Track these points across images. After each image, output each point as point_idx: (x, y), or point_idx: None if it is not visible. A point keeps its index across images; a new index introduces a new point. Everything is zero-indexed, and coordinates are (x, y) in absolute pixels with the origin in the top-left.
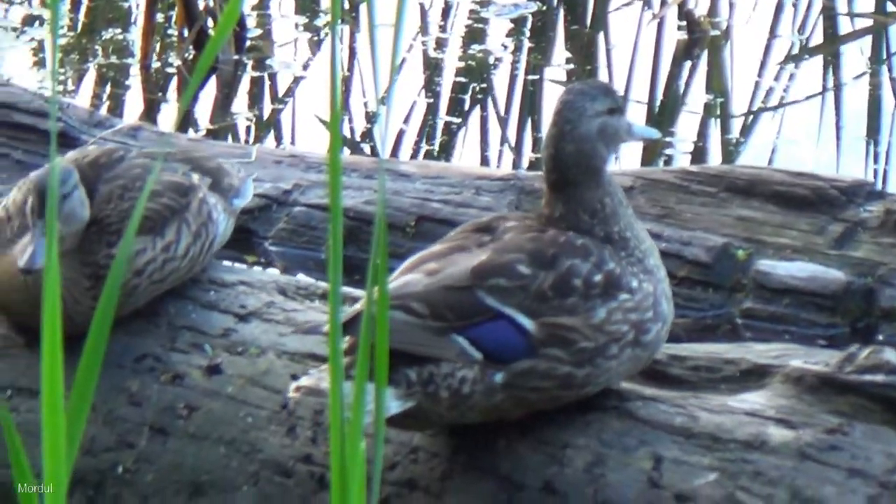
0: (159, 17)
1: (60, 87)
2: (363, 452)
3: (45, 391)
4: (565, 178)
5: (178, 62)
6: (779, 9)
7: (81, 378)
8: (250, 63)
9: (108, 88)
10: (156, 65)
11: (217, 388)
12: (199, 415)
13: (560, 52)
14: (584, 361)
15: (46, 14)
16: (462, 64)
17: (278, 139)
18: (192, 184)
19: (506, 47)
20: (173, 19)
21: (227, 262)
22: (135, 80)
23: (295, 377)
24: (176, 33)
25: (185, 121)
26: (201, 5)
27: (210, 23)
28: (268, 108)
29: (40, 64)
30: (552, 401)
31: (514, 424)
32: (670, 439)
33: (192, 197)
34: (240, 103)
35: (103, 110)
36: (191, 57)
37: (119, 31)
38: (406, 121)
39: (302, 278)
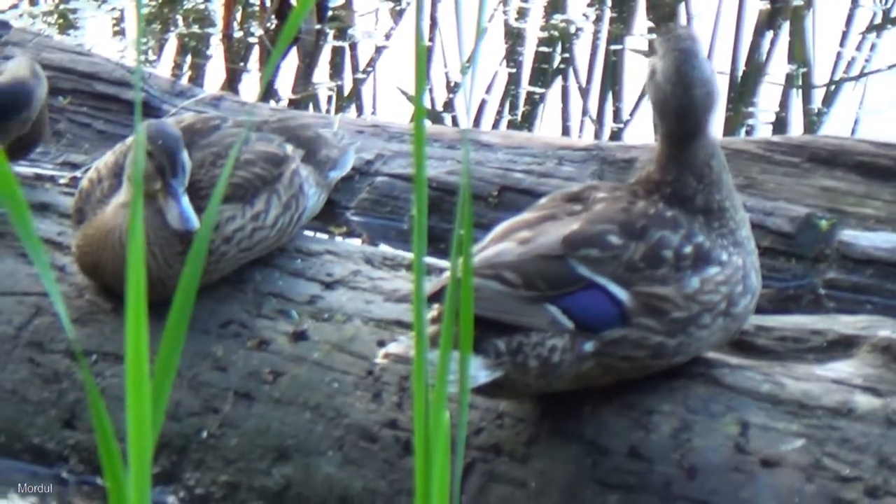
0: None
1: (142, 57)
2: (447, 420)
3: (130, 355)
4: (691, 126)
5: (259, 32)
6: None
7: (167, 343)
8: (331, 33)
9: (188, 58)
10: (237, 34)
11: (303, 354)
12: (284, 380)
13: (641, 22)
14: (677, 331)
15: None
16: (544, 34)
17: (359, 109)
18: (286, 154)
19: (587, 17)
20: None
21: (311, 233)
22: (216, 50)
23: (381, 343)
24: (258, 2)
25: (267, 91)
26: None
27: None
28: (349, 78)
29: (121, 33)
30: (642, 370)
31: (599, 390)
32: (757, 406)
33: (284, 168)
34: (321, 73)
35: (184, 80)
36: (273, 27)
37: (201, 0)
38: (488, 91)
39: (388, 249)
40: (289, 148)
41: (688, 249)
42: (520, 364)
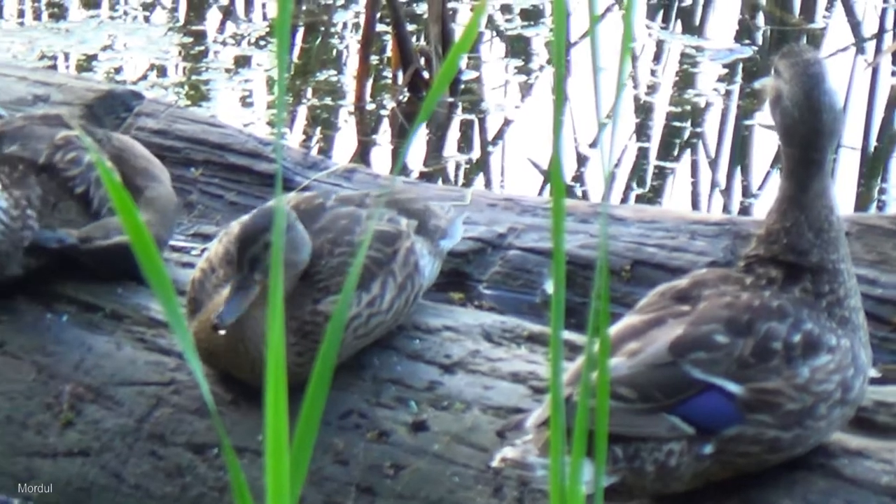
0: (373, 59)
1: (272, 129)
2: None
3: (270, 447)
4: (817, 154)
5: (391, 104)
6: None
7: (300, 438)
8: (461, 105)
9: (318, 130)
10: (369, 106)
11: (423, 446)
12: (405, 474)
13: None
14: (792, 424)
15: (257, 55)
16: (673, 108)
17: (488, 182)
18: (399, 230)
19: (718, 91)
20: (387, 61)
21: (431, 303)
22: (344, 122)
23: (501, 436)
24: (390, 75)
25: (396, 163)
26: (415, 46)
27: (423, 63)
28: (478, 150)
29: (251, 105)
30: (759, 465)
31: (719, 485)
32: (877, 500)
33: (398, 245)
34: (450, 146)
35: (314, 152)
36: (405, 99)
37: (333, 72)
38: (618, 165)
39: (508, 319)
40: (402, 222)
41: (797, 338)
42: (637, 469)
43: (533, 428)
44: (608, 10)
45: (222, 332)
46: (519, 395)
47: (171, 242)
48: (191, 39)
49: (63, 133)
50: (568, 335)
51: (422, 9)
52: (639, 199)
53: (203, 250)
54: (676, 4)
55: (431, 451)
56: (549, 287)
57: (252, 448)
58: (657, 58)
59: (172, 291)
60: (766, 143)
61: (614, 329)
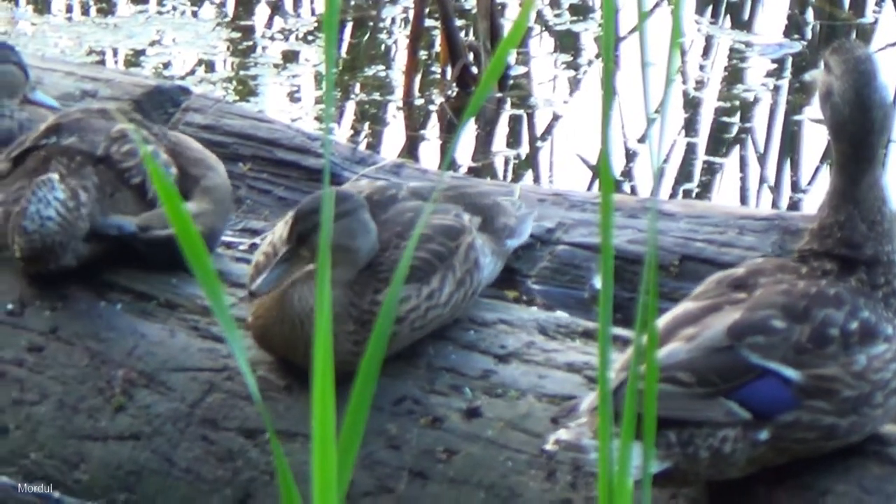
0: (421, 54)
1: (320, 125)
2: None
3: (317, 432)
4: (867, 151)
5: (440, 100)
6: None
7: (349, 425)
8: (509, 101)
9: (366, 125)
10: (417, 102)
11: (477, 432)
12: (458, 458)
13: None
14: (848, 411)
15: (305, 50)
16: (722, 103)
17: (536, 177)
18: (463, 225)
19: (766, 86)
20: (435, 56)
21: (486, 299)
22: (392, 117)
23: (554, 421)
24: (438, 71)
25: (445, 158)
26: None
27: (471, 58)
28: (525, 145)
29: (298, 100)
30: (815, 451)
31: (773, 470)
32: None
33: (461, 241)
34: (499, 141)
35: (361, 147)
36: (453, 94)
37: (381, 68)
38: (666, 160)
39: (562, 316)
40: (466, 218)
41: (853, 325)
42: (691, 455)
43: (587, 411)
44: (657, 5)
45: (255, 298)
46: (573, 384)
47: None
48: (239, 35)
49: (119, 126)
50: (616, 331)
51: (470, 4)
52: (687, 194)
53: (251, 245)
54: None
55: (485, 436)
56: (598, 282)
57: (304, 433)
58: (706, 53)
59: (217, 280)
60: (815, 138)
61: (670, 315)
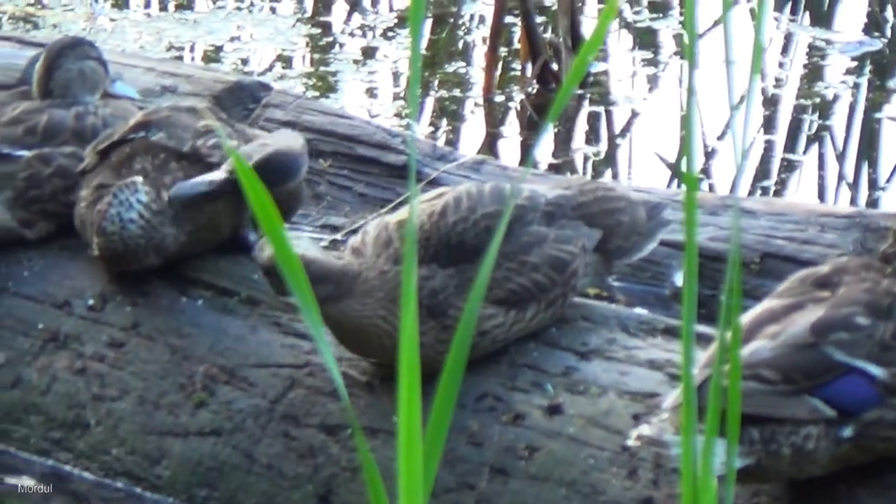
0: (501, 51)
1: (400, 121)
2: None
3: (403, 428)
4: None
5: (520, 96)
6: None
7: (434, 424)
8: (589, 98)
9: (445, 121)
10: (497, 98)
11: (558, 428)
12: (539, 455)
13: None
14: None
15: (384, 46)
16: (801, 101)
17: (615, 174)
18: (574, 257)
19: (846, 84)
20: (515, 53)
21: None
22: (471, 113)
23: (636, 418)
24: (518, 67)
25: (525, 156)
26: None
27: (551, 54)
28: (604, 142)
29: (377, 96)
30: None
31: (855, 469)
32: None
33: (567, 274)
34: (577, 138)
35: (441, 143)
36: (534, 91)
37: (461, 64)
38: (744, 157)
39: (643, 313)
40: (578, 243)
41: None
42: (773, 452)
43: (670, 408)
44: (736, 1)
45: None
46: (655, 381)
47: (300, 234)
48: (318, 30)
49: (205, 121)
50: (699, 328)
51: (550, 0)
52: (765, 191)
53: (332, 241)
54: None
55: (566, 433)
56: (679, 279)
57: (385, 429)
58: (785, 50)
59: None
60: (894, 136)
61: (753, 313)
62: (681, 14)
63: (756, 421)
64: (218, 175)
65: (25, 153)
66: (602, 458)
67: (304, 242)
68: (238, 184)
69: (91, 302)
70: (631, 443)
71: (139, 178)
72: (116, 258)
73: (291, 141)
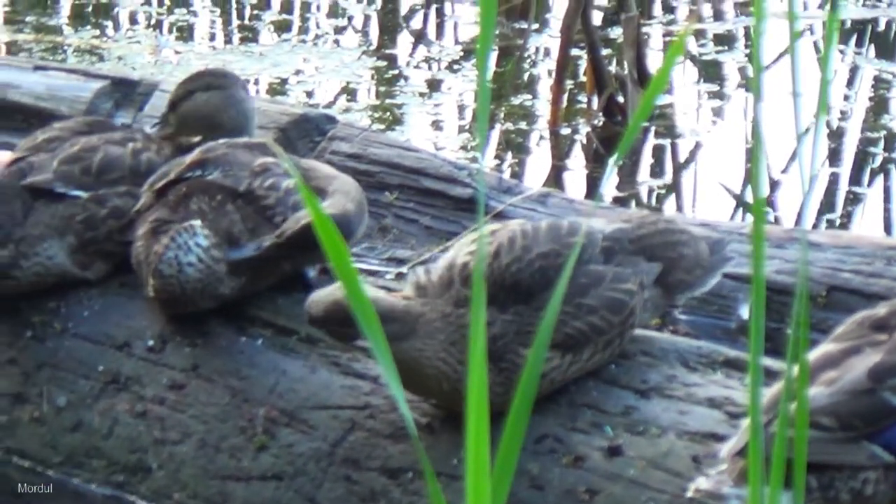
0: (568, 83)
1: (465, 153)
2: None
3: (471, 476)
4: None
5: (586, 129)
6: None
7: (500, 468)
8: (654, 130)
9: (510, 154)
10: (563, 131)
11: (619, 471)
12: (600, 498)
13: None
14: None
15: (449, 79)
16: (867, 134)
17: (680, 206)
18: (633, 298)
19: None
20: (580, 86)
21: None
22: (536, 146)
23: (696, 460)
24: (583, 100)
25: (591, 188)
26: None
27: (617, 87)
28: (669, 174)
29: (441, 128)
30: None
31: None
32: None
33: (624, 314)
34: (642, 170)
35: (506, 175)
36: (599, 124)
37: (527, 97)
38: (810, 188)
39: (703, 344)
40: (636, 281)
41: None
42: (832, 499)
43: (728, 457)
44: (801, 33)
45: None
46: (715, 421)
47: (365, 266)
48: (383, 63)
49: (262, 160)
50: (764, 361)
51: (616, 33)
52: (830, 224)
53: (398, 274)
54: (870, 29)
55: (627, 475)
56: (745, 312)
57: (447, 472)
58: (850, 82)
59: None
60: None
61: (811, 357)
62: (745, 47)
63: (814, 467)
64: (267, 240)
65: (81, 194)
66: (662, 500)
67: (364, 282)
68: (289, 246)
69: (151, 343)
70: (690, 495)
71: (198, 222)
72: (172, 301)
73: (348, 201)
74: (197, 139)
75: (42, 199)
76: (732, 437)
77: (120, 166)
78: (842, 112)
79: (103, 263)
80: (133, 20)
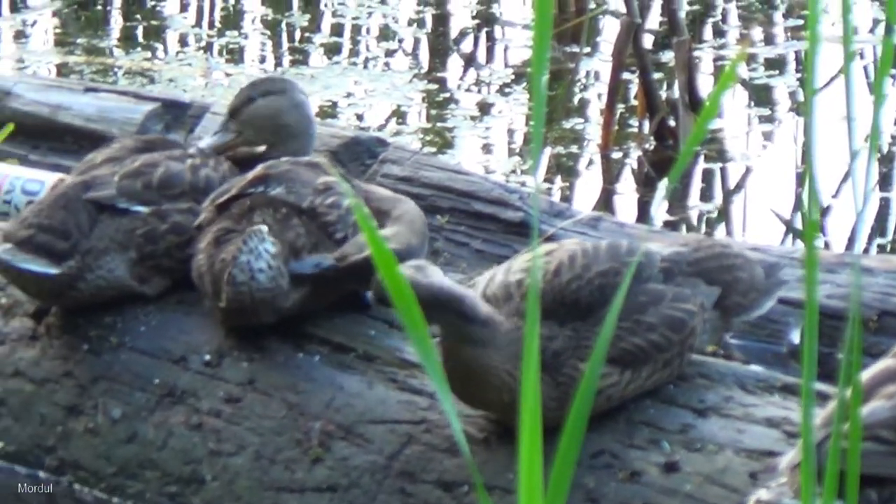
0: (619, 107)
1: (516, 176)
2: None
3: (525, 491)
4: None
5: (637, 153)
6: None
7: (555, 482)
8: (704, 154)
9: (560, 177)
10: (615, 155)
11: (675, 486)
12: None
13: None
14: None
15: (499, 102)
16: None
17: (730, 231)
18: (692, 316)
19: None
20: (631, 109)
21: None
22: (586, 170)
23: (753, 476)
24: (634, 123)
25: (642, 212)
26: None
27: (668, 111)
28: (719, 199)
29: (492, 152)
30: None
31: None
32: None
33: (685, 333)
34: (693, 194)
35: (556, 199)
36: (651, 147)
37: (579, 120)
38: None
39: (760, 370)
40: (697, 302)
41: None
42: None
43: (787, 470)
44: (853, 57)
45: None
46: (773, 440)
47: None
48: (434, 86)
49: (324, 178)
50: (817, 386)
51: (667, 57)
52: (881, 249)
53: None
54: None
55: (683, 491)
56: (796, 337)
57: (502, 486)
58: None
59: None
60: None
61: (871, 372)
62: (797, 71)
63: (874, 482)
64: (327, 260)
65: (142, 209)
66: None
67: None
68: (343, 269)
69: (207, 357)
70: None
71: (265, 227)
72: (240, 311)
73: (413, 235)
74: (260, 149)
75: (106, 212)
76: (792, 451)
77: (180, 182)
78: (893, 136)
79: (161, 279)
80: (184, 42)
